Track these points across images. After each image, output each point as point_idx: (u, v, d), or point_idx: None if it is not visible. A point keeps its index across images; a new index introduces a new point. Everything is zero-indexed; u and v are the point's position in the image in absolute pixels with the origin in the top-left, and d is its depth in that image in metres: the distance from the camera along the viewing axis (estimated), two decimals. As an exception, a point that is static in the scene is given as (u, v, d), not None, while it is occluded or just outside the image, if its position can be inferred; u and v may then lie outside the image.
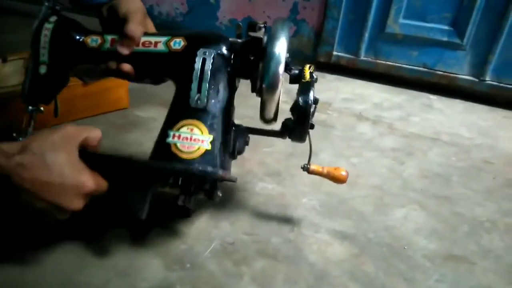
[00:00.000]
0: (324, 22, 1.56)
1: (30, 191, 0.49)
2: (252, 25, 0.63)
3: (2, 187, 0.49)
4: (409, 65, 1.51)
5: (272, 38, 0.60)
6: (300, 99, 0.64)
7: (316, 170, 0.75)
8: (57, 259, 0.63)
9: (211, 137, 0.59)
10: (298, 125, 0.66)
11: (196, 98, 0.60)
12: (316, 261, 0.67)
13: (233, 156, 0.66)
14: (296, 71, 0.65)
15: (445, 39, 1.44)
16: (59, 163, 0.50)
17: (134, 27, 0.62)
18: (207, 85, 0.60)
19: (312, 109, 0.64)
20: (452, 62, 1.46)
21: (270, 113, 0.64)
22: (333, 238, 0.73)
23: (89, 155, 0.55)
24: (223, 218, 0.75)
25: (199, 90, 0.60)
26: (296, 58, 1.67)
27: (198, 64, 0.60)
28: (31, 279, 0.59)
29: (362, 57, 1.53)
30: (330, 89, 1.43)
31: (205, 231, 0.72)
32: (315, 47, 1.64)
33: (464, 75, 1.46)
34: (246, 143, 0.70)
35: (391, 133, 1.15)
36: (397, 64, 1.52)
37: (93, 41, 0.65)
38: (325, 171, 0.74)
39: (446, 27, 1.42)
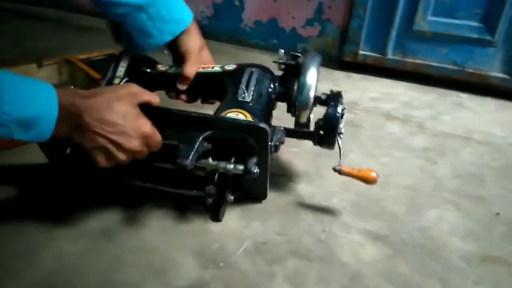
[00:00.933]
0: (350, 21, 1.55)
1: (96, 129, 0.56)
2: (292, 55, 0.78)
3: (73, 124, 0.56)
4: (438, 63, 1.48)
5: (305, 70, 0.75)
6: (329, 110, 0.75)
7: (347, 171, 0.75)
8: (94, 259, 0.65)
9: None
10: (327, 134, 0.76)
11: (242, 94, 0.73)
12: (349, 262, 0.67)
13: (271, 151, 0.70)
14: (324, 97, 0.79)
15: (475, 36, 1.40)
16: (122, 109, 0.58)
17: (190, 69, 0.76)
18: (252, 88, 0.74)
19: (339, 120, 0.75)
20: (482, 60, 1.43)
21: (303, 120, 0.78)
22: (365, 239, 0.72)
23: (148, 109, 0.63)
24: (254, 218, 0.76)
25: (246, 89, 0.73)
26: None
27: (247, 74, 0.76)
28: (70, 277, 0.61)
29: (389, 56, 1.50)
30: (356, 89, 1.42)
31: (236, 231, 0.72)
32: (341, 46, 1.63)
33: (496, 73, 1.42)
34: (282, 142, 0.76)
35: (422, 133, 1.13)
36: (425, 62, 1.49)
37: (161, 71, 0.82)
38: (356, 172, 0.76)
39: (476, 24, 1.39)
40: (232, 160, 0.67)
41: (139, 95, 0.62)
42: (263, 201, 0.80)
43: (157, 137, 0.62)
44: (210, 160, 0.67)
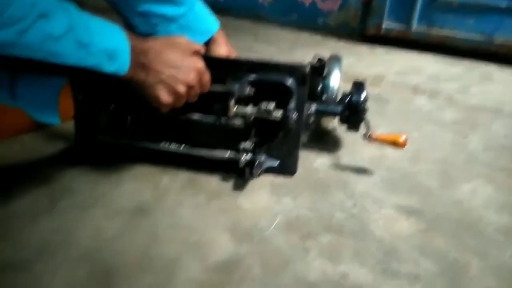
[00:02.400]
0: (373, -7, 1.51)
1: (158, 65, 0.62)
2: (318, 59, 0.84)
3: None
4: (465, 34, 1.44)
5: (329, 73, 0.84)
6: (354, 96, 0.80)
7: (377, 136, 0.76)
8: (130, 235, 0.66)
9: None
10: (353, 118, 0.80)
11: None
12: (383, 237, 0.66)
13: (305, 127, 0.77)
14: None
15: (504, 5, 1.35)
16: (180, 49, 0.65)
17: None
18: None
19: (363, 106, 0.79)
20: (512, 29, 1.38)
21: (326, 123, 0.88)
22: (398, 214, 0.71)
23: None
24: (284, 194, 0.76)
25: None
26: (342, 32, 1.63)
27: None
28: (108, 254, 0.62)
29: (415, 28, 1.46)
30: (381, 63, 1.39)
31: (268, 207, 0.73)
32: (363, 19, 1.59)
33: (527, 42, 1.37)
34: (314, 122, 0.81)
35: (451, 106, 1.10)
36: (452, 34, 1.44)
37: None
38: (385, 136, 0.78)
39: (506, -8, 1.33)
40: (273, 105, 0.72)
41: (191, 43, 0.68)
42: (293, 177, 0.80)
43: (208, 75, 0.69)
44: (251, 107, 0.73)
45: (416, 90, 1.18)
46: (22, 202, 0.71)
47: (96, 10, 1.93)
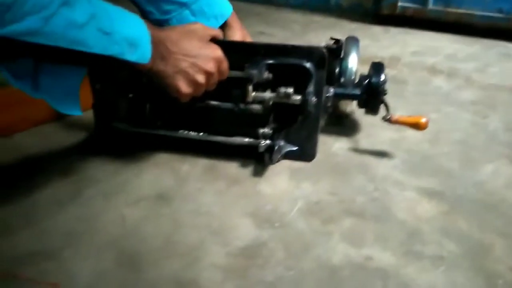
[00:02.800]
0: (388, -29, 1.47)
1: (177, 55, 0.62)
2: (335, 41, 0.85)
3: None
4: (482, 12, 1.40)
5: (347, 54, 0.82)
6: (373, 78, 0.78)
7: (397, 118, 0.76)
8: (154, 222, 0.67)
9: None
10: (372, 100, 0.79)
11: None
12: (406, 219, 0.66)
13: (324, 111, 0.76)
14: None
15: (524, -20, 1.31)
16: (197, 37, 0.65)
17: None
18: None
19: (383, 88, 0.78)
20: (533, 5, 1.34)
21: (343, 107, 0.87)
22: (420, 196, 0.71)
23: (215, 42, 0.68)
24: (303, 179, 0.76)
25: None
26: (355, 13, 1.60)
27: None
28: (133, 240, 0.63)
29: (431, 6, 1.43)
30: (397, 43, 1.36)
31: (288, 192, 0.73)
32: (377, -1, 1.56)
33: (547, 18, 1.33)
34: (332, 105, 0.80)
35: (469, 86, 1.08)
36: (469, 11, 1.41)
37: None
38: (406, 118, 0.77)
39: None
40: (291, 89, 0.72)
41: (207, 29, 0.69)
42: (311, 162, 0.80)
43: (226, 63, 0.68)
44: (269, 92, 0.73)
45: (434, 70, 1.16)
46: (46, 191, 0.73)
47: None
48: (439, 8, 1.41)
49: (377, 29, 1.47)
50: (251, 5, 1.76)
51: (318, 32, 1.45)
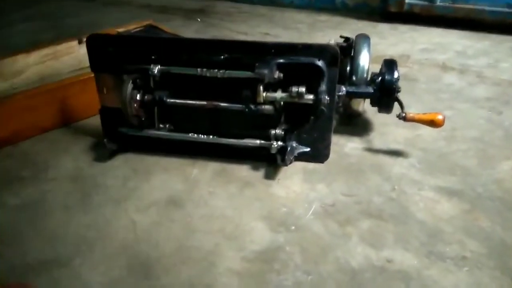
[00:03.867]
0: (394, -33, 1.45)
1: None
2: (345, 39, 0.85)
3: None
4: (492, 7, 1.37)
5: (358, 52, 0.80)
6: (386, 75, 0.76)
7: (412, 116, 0.74)
8: (165, 227, 0.65)
9: None
10: (385, 98, 0.77)
11: None
12: (426, 219, 0.64)
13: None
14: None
15: (533, -27, 1.28)
16: None
17: None
18: None
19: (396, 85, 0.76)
20: (542, -1, 1.31)
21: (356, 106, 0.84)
22: (439, 195, 0.69)
23: (225, 42, 0.74)
24: (317, 181, 0.74)
25: None
26: (362, 11, 1.58)
27: None
28: (146, 246, 0.62)
29: (438, 3, 1.41)
30: (405, 41, 1.34)
31: (302, 194, 0.71)
32: (384, -3, 1.54)
33: (558, 12, 1.30)
34: (343, 106, 0.80)
35: (482, 82, 1.06)
36: (477, 7, 1.38)
37: None
38: (421, 116, 0.75)
39: (536, -41, 1.27)
40: (303, 88, 0.70)
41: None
42: (324, 163, 0.78)
43: None
44: (280, 92, 0.71)
45: (444, 67, 1.14)
46: (55, 198, 0.71)
47: (107, 3, 1.90)
48: (447, 4, 1.39)
49: (384, 27, 1.45)
50: (255, 7, 1.74)
51: (325, 32, 1.43)
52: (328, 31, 1.46)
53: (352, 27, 1.47)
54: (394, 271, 0.56)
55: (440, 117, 0.72)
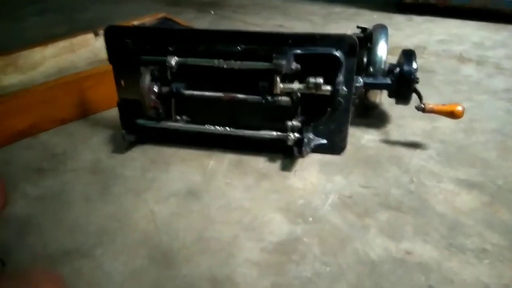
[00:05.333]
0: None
1: None
2: (362, 29, 0.85)
3: None
4: (510, -3, 1.35)
5: (375, 43, 0.80)
6: (404, 66, 0.75)
7: (432, 107, 0.73)
8: (185, 218, 0.65)
9: None
10: (403, 90, 0.76)
11: None
12: (445, 211, 0.64)
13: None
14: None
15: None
16: None
17: None
18: None
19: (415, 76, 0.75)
20: None
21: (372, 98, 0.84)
22: (459, 187, 0.68)
23: (241, 33, 0.72)
24: (334, 172, 0.73)
25: None
26: (376, 3, 1.57)
27: None
28: (166, 237, 0.62)
29: (455, -7, 1.38)
30: (421, 32, 1.32)
31: (319, 186, 0.71)
32: (399, -12, 1.52)
33: None
34: (359, 97, 0.79)
35: (500, 73, 1.04)
36: (495, -3, 1.36)
37: None
38: (440, 107, 0.74)
39: None
40: (321, 79, 0.70)
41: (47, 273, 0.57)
42: (341, 155, 0.77)
43: None
44: (297, 83, 0.71)
45: (462, 58, 1.12)
46: (75, 189, 0.72)
47: (115, 1, 1.88)
48: (464, -6, 1.37)
49: (400, 18, 1.43)
50: (268, -1, 1.74)
51: (339, 23, 1.42)
52: (342, 22, 1.44)
53: (367, 19, 1.45)
54: (414, 263, 0.56)
55: (459, 108, 0.71)
